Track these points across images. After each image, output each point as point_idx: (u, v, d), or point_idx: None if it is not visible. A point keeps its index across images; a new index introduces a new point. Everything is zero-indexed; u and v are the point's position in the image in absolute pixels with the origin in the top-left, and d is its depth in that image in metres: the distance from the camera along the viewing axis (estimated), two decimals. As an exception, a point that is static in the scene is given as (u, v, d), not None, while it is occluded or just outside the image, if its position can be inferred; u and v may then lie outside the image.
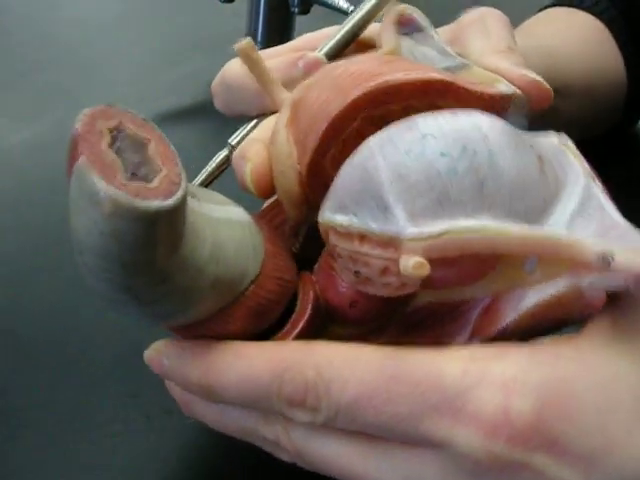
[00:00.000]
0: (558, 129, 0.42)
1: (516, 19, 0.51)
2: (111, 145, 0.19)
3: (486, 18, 0.32)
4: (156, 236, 0.19)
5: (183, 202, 0.19)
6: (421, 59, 0.29)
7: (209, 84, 0.47)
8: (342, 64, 0.25)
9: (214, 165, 0.32)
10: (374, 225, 0.22)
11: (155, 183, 0.19)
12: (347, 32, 0.32)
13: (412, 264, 0.21)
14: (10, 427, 0.31)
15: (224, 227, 0.23)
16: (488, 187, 0.21)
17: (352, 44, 0.32)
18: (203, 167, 0.32)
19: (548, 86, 0.29)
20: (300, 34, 0.39)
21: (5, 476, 0.29)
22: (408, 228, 0.21)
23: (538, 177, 0.22)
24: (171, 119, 0.53)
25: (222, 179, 0.32)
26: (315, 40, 0.33)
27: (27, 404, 0.32)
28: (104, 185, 0.18)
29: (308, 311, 0.25)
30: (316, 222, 0.24)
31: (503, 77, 0.28)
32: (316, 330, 0.25)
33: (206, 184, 0.32)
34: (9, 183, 0.46)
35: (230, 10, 0.62)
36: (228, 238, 0.23)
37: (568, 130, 0.44)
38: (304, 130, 0.24)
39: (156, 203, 0.18)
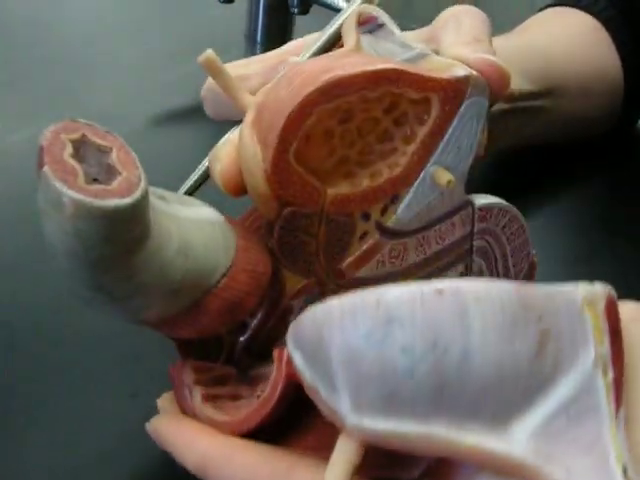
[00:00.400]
0: (555, 129, 0.42)
1: (515, 19, 0.51)
2: (75, 155, 0.21)
3: (460, 15, 0.32)
4: (118, 233, 0.20)
5: (142, 200, 0.21)
6: (383, 53, 0.29)
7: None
8: (299, 64, 0.26)
9: (200, 172, 0.32)
10: (322, 391, 0.20)
11: (114, 185, 0.20)
12: (330, 36, 0.32)
13: (352, 446, 0.20)
14: (10, 427, 0.31)
15: (192, 225, 0.24)
16: (450, 391, 0.19)
17: (337, 46, 0.32)
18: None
19: (506, 68, 0.29)
20: (299, 34, 0.39)
21: (5, 476, 0.29)
22: (349, 417, 0.19)
23: (527, 366, 0.19)
24: (171, 119, 0.53)
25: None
26: (302, 46, 0.34)
27: (27, 404, 0.32)
28: (65, 189, 0.19)
29: (278, 392, 0.24)
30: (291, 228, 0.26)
31: (463, 63, 0.28)
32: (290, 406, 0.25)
33: (191, 191, 0.32)
34: (9, 183, 0.46)
35: (230, 10, 0.62)
36: (197, 234, 0.24)
37: (566, 130, 0.44)
38: (265, 129, 0.25)
39: (114, 201, 0.20)
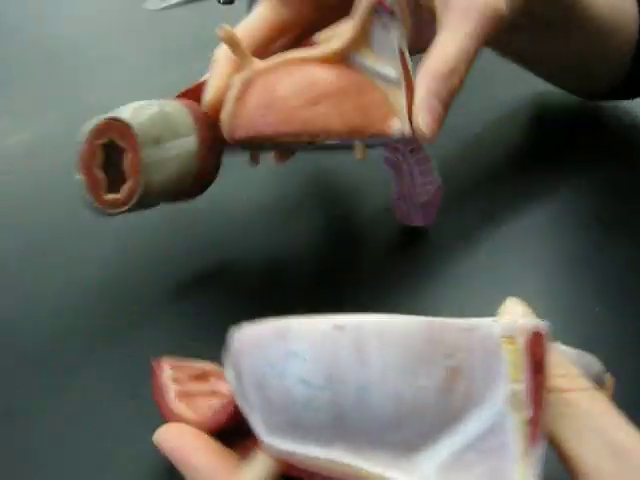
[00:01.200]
0: (564, 60, 0.41)
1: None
2: (102, 161, 0.32)
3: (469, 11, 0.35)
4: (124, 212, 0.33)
5: (135, 204, 0.32)
6: (384, 55, 0.33)
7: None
8: (282, 82, 0.33)
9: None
10: (244, 408, 0.22)
11: (122, 193, 0.31)
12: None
13: (267, 461, 0.21)
14: (10, 428, 0.31)
15: (173, 157, 0.34)
16: (349, 422, 0.19)
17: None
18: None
19: None
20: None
21: (5, 476, 0.29)
22: (263, 436, 0.21)
23: (434, 402, 0.19)
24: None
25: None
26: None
27: (27, 405, 0.32)
28: (92, 201, 0.32)
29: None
30: None
31: None
32: None
33: None
34: (9, 183, 0.46)
35: (230, 11, 0.62)
36: (176, 161, 0.34)
37: (569, 67, 0.44)
38: (242, 118, 0.33)
39: (120, 209, 0.32)
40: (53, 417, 0.31)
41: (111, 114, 0.32)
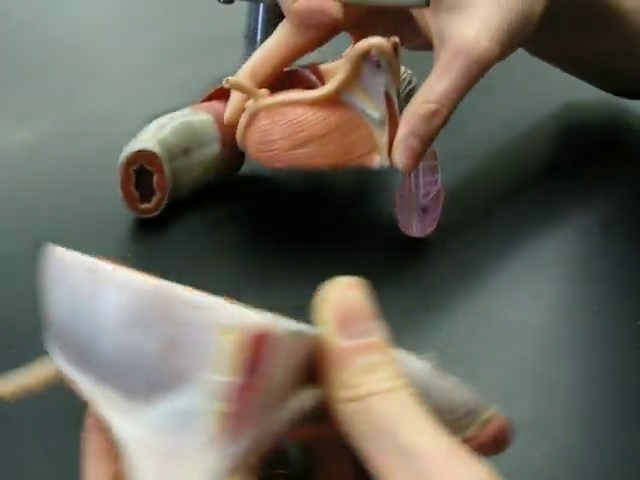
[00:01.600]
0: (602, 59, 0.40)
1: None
2: (135, 180, 0.41)
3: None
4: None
5: (164, 207, 0.42)
6: (374, 98, 0.39)
7: (209, 85, 0.47)
8: (276, 125, 0.40)
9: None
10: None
11: (152, 203, 0.42)
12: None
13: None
14: (10, 428, 0.31)
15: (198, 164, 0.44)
16: (90, 355, 0.21)
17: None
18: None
19: None
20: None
21: (5, 476, 0.29)
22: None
23: (151, 364, 0.20)
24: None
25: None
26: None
27: (27, 404, 0.32)
28: (131, 210, 0.42)
29: None
30: None
31: None
32: None
33: None
34: (9, 183, 0.46)
35: (230, 10, 0.62)
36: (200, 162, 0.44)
37: (605, 66, 0.44)
38: (248, 145, 0.41)
39: (151, 215, 0.42)
40: (52, 418, 0.31)
41: (140, 146, 0.41)
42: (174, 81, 0.57)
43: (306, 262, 0.41)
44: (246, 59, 0.43)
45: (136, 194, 0.41)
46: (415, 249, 0.42)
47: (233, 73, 0.45)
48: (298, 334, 0.20)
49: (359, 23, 0.42)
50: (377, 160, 0.39)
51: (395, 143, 0.38)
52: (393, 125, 0.39)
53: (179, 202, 0.43)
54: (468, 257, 0.42)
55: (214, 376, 0.19)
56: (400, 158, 0.38)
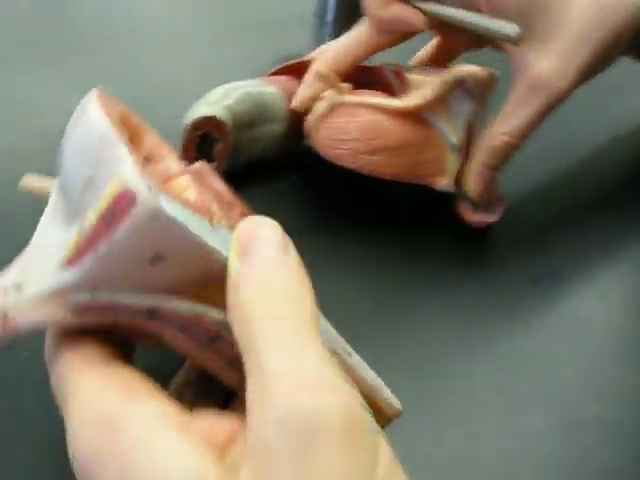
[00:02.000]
0: None
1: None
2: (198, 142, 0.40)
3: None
4: None
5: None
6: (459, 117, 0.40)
7: (273, 64, 0.46)
8: (354, 124, 0.39)
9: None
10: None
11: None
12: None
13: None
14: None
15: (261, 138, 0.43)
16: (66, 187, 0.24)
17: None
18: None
19: None
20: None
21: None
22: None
23: (78, 194, 0.23)
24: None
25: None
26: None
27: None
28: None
29: None
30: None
31: None
32: None
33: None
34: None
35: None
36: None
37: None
38: (319, 138, 0.41)
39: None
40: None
41: (209, 111, 0.39)
42: (240, 57, 0.57)
43: (365, 247, 0.41)
44: (316, 39, 0.43)
45: (196, 158, 0.39)
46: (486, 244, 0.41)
47: (303, 52, 0.45)
48: (196, 238, 0.21)
49: (443, 24, 0.42)
50: (443, 183, 0.40)
51: (470, 170, 0.40)
52: (468, 152, 0.40)
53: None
54: (539, 252, 0.42)
55: (90, 214, 0.21)
56: (473, 186, 0.40)
